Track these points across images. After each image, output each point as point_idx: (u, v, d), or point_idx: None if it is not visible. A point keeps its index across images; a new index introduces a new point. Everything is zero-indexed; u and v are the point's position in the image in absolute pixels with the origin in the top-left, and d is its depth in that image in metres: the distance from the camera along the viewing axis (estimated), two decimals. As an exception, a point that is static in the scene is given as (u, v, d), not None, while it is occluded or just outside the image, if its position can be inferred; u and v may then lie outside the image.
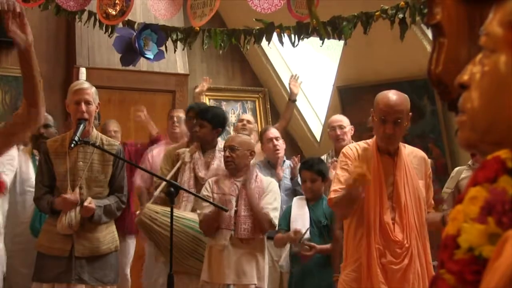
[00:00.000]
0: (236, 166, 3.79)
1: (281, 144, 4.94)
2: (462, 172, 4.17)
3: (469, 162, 4.20)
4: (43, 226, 3.87)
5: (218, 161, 4.25)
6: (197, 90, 5.78)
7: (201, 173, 4.18)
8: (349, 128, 4.99)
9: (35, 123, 2.85)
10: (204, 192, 3.83)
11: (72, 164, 3.75)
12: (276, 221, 3.74)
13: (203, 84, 5.76)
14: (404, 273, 2.96)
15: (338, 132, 4.94)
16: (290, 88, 5.80)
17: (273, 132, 5.00)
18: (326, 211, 4.06)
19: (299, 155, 4.99)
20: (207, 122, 4.22)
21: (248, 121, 5.51)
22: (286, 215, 4.20)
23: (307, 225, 4.11)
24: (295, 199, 4.32)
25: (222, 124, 4.30)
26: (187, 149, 4.32)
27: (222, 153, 4.24)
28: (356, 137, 4.78)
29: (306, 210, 4.15)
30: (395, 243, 2.98)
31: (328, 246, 3.99)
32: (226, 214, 3.67)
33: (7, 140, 2.77)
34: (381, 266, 2.95)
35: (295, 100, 5.75)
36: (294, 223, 4.12)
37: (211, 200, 3.68)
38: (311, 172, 4.17)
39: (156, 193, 4.14)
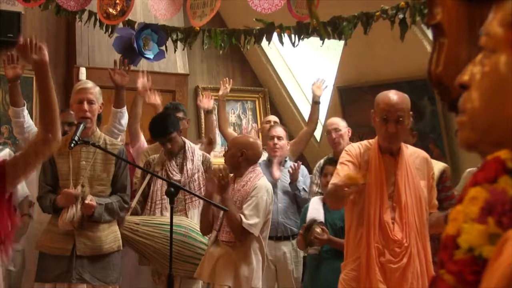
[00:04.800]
0: (229, 166, 3.76)
1: (282, 144, 4.84)
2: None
3: (480, 165, 4.14)
4: (45, 226, 3.85)
5: (190, 162, 4.25)
6: (220, 92, 5.38)
7: (176, 177, 4.18)
8: (345, 131, 4.84)
9: (49, 150, 2.67)
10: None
11: (74, 163, 3.76)
12: (253, 228, 3.64)
13: (225, 85, 5.45)
14: (402, 272, 2.96)
15: (334, 135, 4.80)
16: (312, 90, 5.48)
17: (277, 131, 4.88)
18: (342, 213, 4.03)
19: (300, 162, 4.92)
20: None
21: (275, 122, 5.39)
22: (303, 216, 4.19)
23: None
24: (313, 199, 4.24)
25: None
26: (157, 156, 4.31)
27: (194, 153, 4.26)
28: (358, 138, 4.75)
29: (321, 211, 4.11)
30: (394, 242, 2.98)
31: (341, 240, 3.96)
32: (217, 214, 3.70)
33: (24, 169, 2.62)
34: (379, 265, 2.96)
35: (318, 102, 5.44)
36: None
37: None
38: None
39: (133, 204, 4.14)
